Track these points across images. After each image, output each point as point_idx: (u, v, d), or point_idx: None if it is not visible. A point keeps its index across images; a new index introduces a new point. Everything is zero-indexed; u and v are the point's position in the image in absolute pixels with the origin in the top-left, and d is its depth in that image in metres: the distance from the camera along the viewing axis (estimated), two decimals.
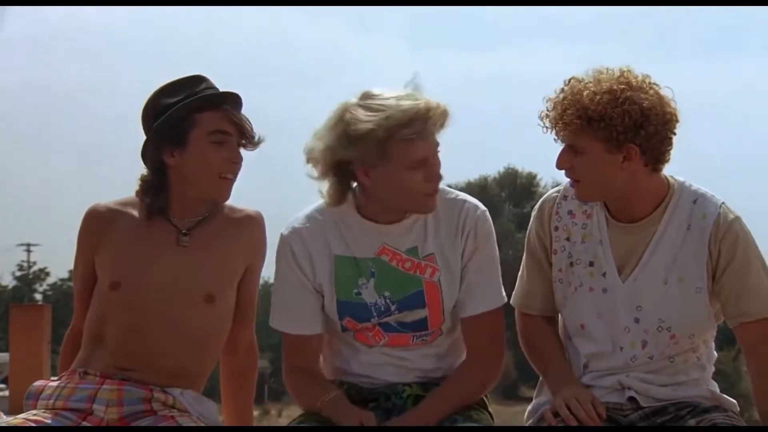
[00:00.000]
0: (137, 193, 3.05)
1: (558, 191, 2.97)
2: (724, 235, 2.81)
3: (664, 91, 2.79)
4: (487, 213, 2.93)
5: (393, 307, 2.88)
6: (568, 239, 2.92)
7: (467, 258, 2.89)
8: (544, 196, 3.01)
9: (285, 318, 2.93)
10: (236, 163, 2.98)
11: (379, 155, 2.73)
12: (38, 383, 3.00)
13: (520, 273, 3.02)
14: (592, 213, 2.91)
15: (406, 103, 2.73)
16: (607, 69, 2.80)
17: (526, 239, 3.00)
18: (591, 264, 2.89)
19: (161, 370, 2.95)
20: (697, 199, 2.86)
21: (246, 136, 2.99)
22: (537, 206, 3.00)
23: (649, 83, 2.78)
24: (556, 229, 2.93)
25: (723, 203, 2.85)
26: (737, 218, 2.84)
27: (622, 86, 2.73)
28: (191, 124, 2.96)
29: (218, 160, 2.96)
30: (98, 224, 3.05)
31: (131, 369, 2.94)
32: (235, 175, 3.00)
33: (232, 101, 3.02)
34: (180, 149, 2.97)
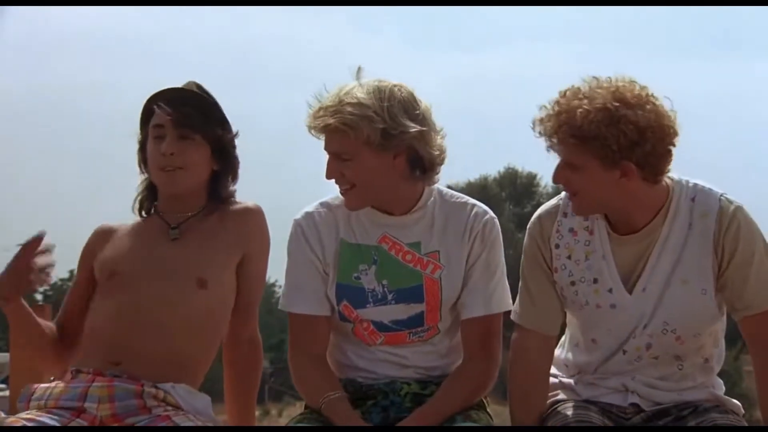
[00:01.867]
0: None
1: (556, 206, 2.91)
2: (727, 228, 2.74)
3: (662, 103, 2.71)
4: (497, 220, 2.96)
5: (390, 296, 2.89)
6: (569, 257, 2.87)
7: (473, 260, 2.91)
8: (540, 210, 2.93)
9: (294, 297, 2.94)
10: (164, 155, 3.05)
11: None
12: (31, 386, 2.99)
13: (520, 291, 2.95)
14: (593, 228, 2.86)
15: None
16: (605, 79, 2.72)
17: (523, 256, 2.93)
18: (595, 281, 2.84)
19: (154, 360, 2.92)
20: (696, 195, 2.80)
21: (178, 125, 3.05)
22: (534, 221, 2.92)
23: (647, 96, 2.69)
24: (557, 246, 2.88)
25: (722, 195, 2.78)
26: (738, 207, 2.77)
27: (617, 104, 2.64)
28: (146, 123, 3.13)
29: (156, 155, 3.08)
30: (101, 236, 3.18)
31: (124, 361, 2.91)
32: (176, 166, 3.06)
33: (165, 97, 3.09)
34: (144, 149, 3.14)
